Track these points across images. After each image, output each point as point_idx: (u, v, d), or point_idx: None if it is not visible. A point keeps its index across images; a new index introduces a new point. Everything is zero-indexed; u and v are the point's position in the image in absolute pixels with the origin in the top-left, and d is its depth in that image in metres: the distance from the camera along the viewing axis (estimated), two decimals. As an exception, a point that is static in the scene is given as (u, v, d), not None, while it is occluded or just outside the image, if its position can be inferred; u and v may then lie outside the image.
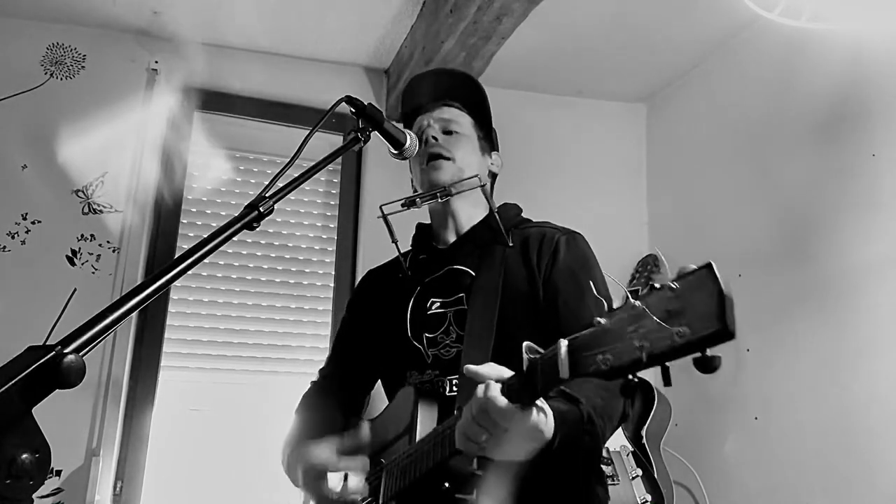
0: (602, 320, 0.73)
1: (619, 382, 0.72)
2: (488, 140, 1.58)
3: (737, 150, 2.62)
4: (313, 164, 1.07)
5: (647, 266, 2.89)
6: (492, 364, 0.97)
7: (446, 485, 1.12)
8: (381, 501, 1.21)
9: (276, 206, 0.96)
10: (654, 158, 3.17)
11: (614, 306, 0.73)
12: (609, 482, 2.32)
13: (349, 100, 1.17)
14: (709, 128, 2.82)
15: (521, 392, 0.87)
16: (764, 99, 2.50)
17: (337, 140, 2.67)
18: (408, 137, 1.27)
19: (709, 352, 0.62)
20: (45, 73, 2.54)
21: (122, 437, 2.37)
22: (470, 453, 0.99)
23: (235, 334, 2.60)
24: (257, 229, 0.94)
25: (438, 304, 1.42)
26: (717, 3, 2.37)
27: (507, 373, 0.94)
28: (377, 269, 1.69)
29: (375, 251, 2.70)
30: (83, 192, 2.48)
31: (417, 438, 1.19)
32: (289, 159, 1.03)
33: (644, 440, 2.45)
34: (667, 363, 0.66)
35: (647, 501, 2.29)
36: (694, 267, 0.64)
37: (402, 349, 1.42)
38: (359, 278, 2.67)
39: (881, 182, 2.01)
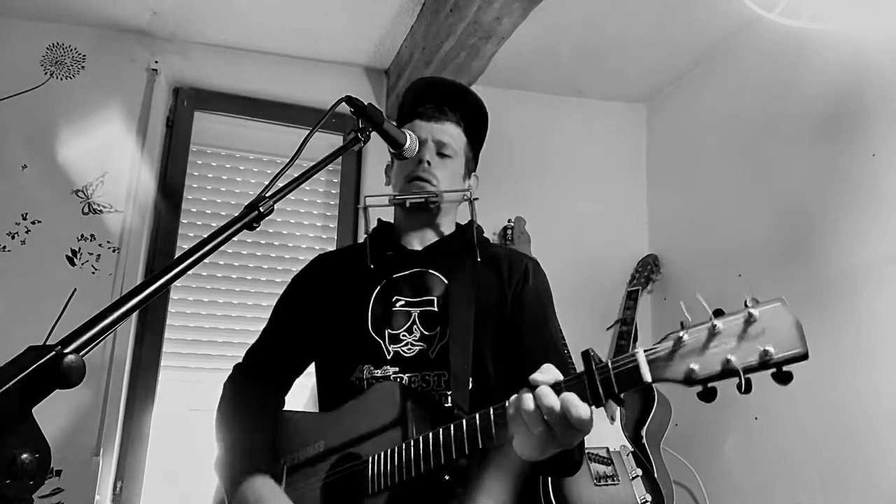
0: (682, 335, 0.88)
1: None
2: (474, 161, 1.61)
3: (737, 150, 2.62)
4: (313, 164, 1.07)
5: (647, 266, 2.89)
6: (551, 367, 1.01)
7: (447, 477, 1.13)
8: (370, 492, 1.20)
9: (276, 206, 0.96)
10: (654, 158, 3.18)
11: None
12: (609, 482, 2.32)
13: (349, 100, 1.17)
14: (709, 128, 2.82)
15: (594, 394, 0.94)
16: (764, 99, 2.50)
17: (337, 140, 2.67)
18: (407, 137, 1.27)
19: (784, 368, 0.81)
20: (45, 73, 2.54)
21: (122, 437, 2.37)
22: (519, 443, 1.03)
23: (235, 334, 2.60)
24: (257, 229, 0.94)
25: (404, 302, 1.43)
26: (717, 3, 2.37)
27: (561, 376, 0.99)
28: (329, 254, 1.69)
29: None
30: (83, 192, 2.48)
31: (414, 431, 1.19)
32: (289, 159, 1.03)
33: (644, 440, 2.45)
34: (749, 375, 0.82)
35: (647, 501, 2.30)
36: (758, 300, 0.84)
37: (356, 341, 1.41)
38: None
39: (881, 182, 2.01)
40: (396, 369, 1.37)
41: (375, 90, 2.91)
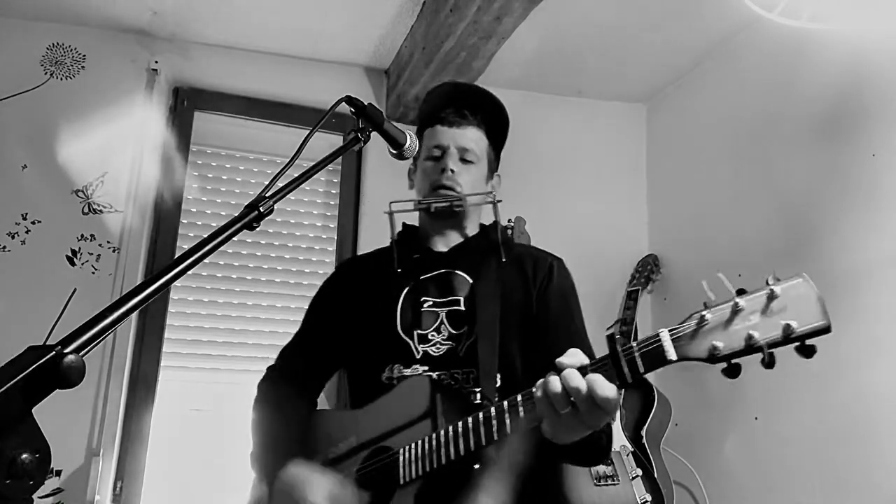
0: (705, 314, 0.88)
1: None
2: (496, 162, 1.65)
3: (737, 150, 2.62)
4: (313, 164, 1.07)
5: (647, 266, 2.89)
6: (577, 351, 1.04)
7: (476, 466, 1.16)
8: (401, 482, 1.23)
9: (276, 206, 0.96)
10: (654, 158, 3.17)
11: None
12: (609, 482, 2.32)
13: (349, 100, 1.17)
14: (709, 128, 2.82)
15: (620, 374, 0.97)
16: (764, 99, 2.50)
17: (337, 140, 2.67)
18: (407, 137, 1.27)
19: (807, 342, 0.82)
20: (45, 73, 2.54)
21: (122, 437, 2.37)
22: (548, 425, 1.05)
23: (235, 334, 2.60)
24: (257, 229, 0.94)
25: (431, 302, 1.46)
26: (717, 3, 2.37)
27: (587, 359, 1.02)
28: (358, 258, 1.74)
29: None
30: (83, 192, 2.48)
31: (444, 422, 1.22)
32: (289, 159, 1.03)
33: (644, 440, 2.45)
34: (773, 350, 0.84)
35: (647, 501, 2.29)
36: (778, 278, 0.86)
37: (386, 341, 1.45)
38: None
39: (881, 182, 2.01)
40: (426, 368, 1.40)
41: (375, 90, 2.91)
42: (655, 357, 0.93)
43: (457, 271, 1.49)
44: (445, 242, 1.56)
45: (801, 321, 0.83)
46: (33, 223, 2.40)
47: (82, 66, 2.59)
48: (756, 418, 2.33)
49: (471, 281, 1.47)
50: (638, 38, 2.70)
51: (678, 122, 3.04)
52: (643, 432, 2.47)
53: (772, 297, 0.85)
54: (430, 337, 1.44)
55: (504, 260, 1.49)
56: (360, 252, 2.73)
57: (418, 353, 1.42)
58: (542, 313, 1.44)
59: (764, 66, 2.52)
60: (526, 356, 1.41)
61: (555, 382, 0.99)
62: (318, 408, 1.60)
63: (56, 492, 2.21)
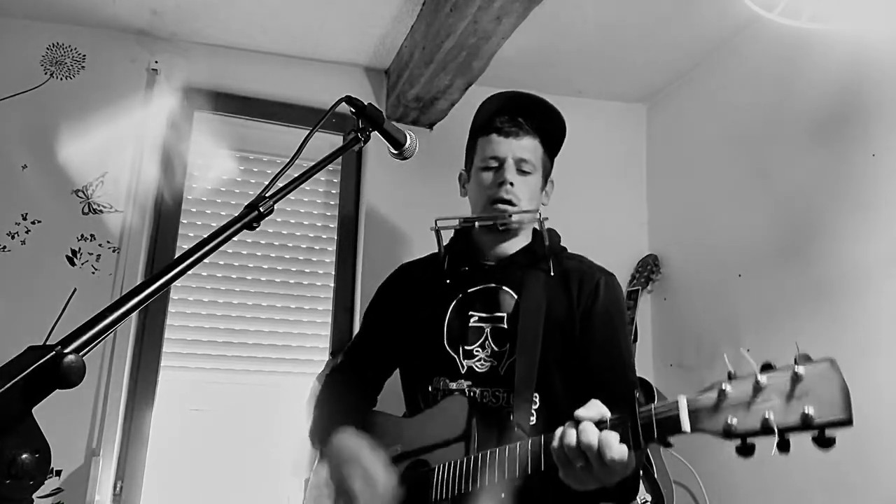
0: (726, 387, 0.86)
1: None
2: (551, 168, 1.65)
3: (737, 150, 2.62)
4: (313, 164, 1.07)
5: (647, 266, 2.89)
6: (597, 402, 1.03)
7: (502, 495, 1.17)
8: (433, 499, 1.26)
9: (276, 206, 0.96)
10: (654, 158, 3.17)
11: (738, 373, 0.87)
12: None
13: (349, 100, 1.17)
14: (709, 128, 2.82)
15: (634, 437, 0.96)
16: (764, 99, 2.50)
17: (337, 140, 2.67)
18: (407, 137, 1.27)
19: (826, 433, 0.77)
20: (45, 73, 2.54)
21: (122, 437, 2.37)
22: (565, 477, 1.05)
23: (235, 334, 2.60)
24: (257, 229, 0.94)
25: (477, 318, 1.47)
26: (717, 3, 2.37)
27: (608, 413, 1.01)
28: (413, 264, 1.72)
29: (376, 251, 2.72)
30: (83, 192, 2.48)
31: (476, 448, 1.24)
32: (289, 159, 1.03)
33: (644, 440, 2.45)
34: (788, 436, 0.79)
35: (647, 501, 2.30)
36: (808, 356, 0.80)
37: (434, 354, 1.47)
38: (359, 278, 2.71)
39: (881, 182, 2.01)
40: (470, 383, 1.42)
41: (375, 90, 2.90)
42: (670, 425, 0.93)
43: (503, 286, 1.49)
44: (495, 255, 1.55)
45: (822, 411, 0.77)
46: (33, 223, 2.40)
47: (82, 66, 2.59)
48: (756, 418, 2.33)
49: (515, 297, 1.46)
50: (638, 38, 2.70)
51: (678, 122, 3.04)
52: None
53: (795, 379, 0.80)
54: (475, 353, 1.44)
55: (553, 274, 1.48)
56: (359, 252, 2.73)
57: (463, 367, 1.43)
58: (584, 335, 1.41)
59: (764, 66, 2.52)
60: (567, 378, 1.39)
61: (571, 435, 0.99)
62: (375, 407, 1.64)
63: (56, 492, 2.21)
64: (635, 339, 2.72)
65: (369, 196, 2.77)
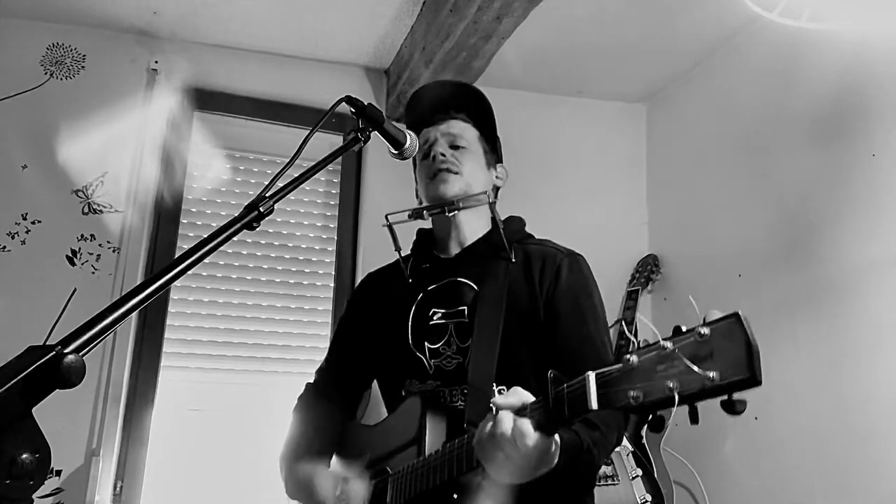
0: (632, 358, 0.77)
1: (618, 413, 0.74)
2: (493, 153, 1.59)
3: (737, 149, 2.62)
4: (313, 164, 1.07)
5: (647, 266, 2.89)
6: (518, 389, 0.98)
7: (455, 496, 1.13)
8: None
9: (276, 206, 0.96)
10: (654, 158, 3.17)
11: (642, 343, 0.78)
12: (609, 482, 2.32)
13: (349, 100, 1.17)
14: (709, 127, 2.82)
15: (548, 420, 0.90)
16: (764, 99, 2.50)
17: (337, 140, 2.67)
18: (408, 137, 1.27)
19: (735, 395, 0.68)
20: (45, 73, 2.54)
21: (122, 437, 2.37)
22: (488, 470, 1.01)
23: (235, 334, 2.60)
24: (257, 229, 0.94)
25: (440, 314, 1.42)
26: (717, 3, 2.37)
27: (530, 398, 0.96)
28: (377, 272, 1.69)
29: (375, 251, 2.71)
30: (83, 192, 2.48)
31: (427, 450, 1.20)
32: (289, 159, 1.03)
33: (644, 440, 2.45)
34: (695, 403, 0.71)
35: (647, 501, 2.30)
36: (718, 314, 0.70)
37: (402, 357, 1.43)
38: (359, 279, 2.69)
39: (881, 182, 2.01)
40: (439, 383, 1.37)
41: (375, 90, 2.90)
42: (579, 404, 0.84)
43: (462, 279, 1.43)
44: (458, 242, 1.50)
45: (725, 373, 0.67)
46: (33, 223, 2.40)
47: (82, 66, 2.59)
48: (756, 418, 2.33)
49: (476, 289, 1.40)
50: (638, 39, 2.70)
51: (678, 122, 3.04)
52: (643, 432, 2.47)
53: (700, 340, 0.70)
54: (440, 351, 1.39)
55: (514, 261, 1.41)
56: (359, 252, 2.73)
57: (431, 367, 1.39)
58: (549, 320, 1.34)
59: (764, 66, 2.52)
60: (539, 369, 1.30)
61: (487, 426, 0.95)
62: (354, 419, 1.61)
63: (56, 492, 2.20)
64: (635, 337, 2.71)
65: (369, 196, 2.77)
